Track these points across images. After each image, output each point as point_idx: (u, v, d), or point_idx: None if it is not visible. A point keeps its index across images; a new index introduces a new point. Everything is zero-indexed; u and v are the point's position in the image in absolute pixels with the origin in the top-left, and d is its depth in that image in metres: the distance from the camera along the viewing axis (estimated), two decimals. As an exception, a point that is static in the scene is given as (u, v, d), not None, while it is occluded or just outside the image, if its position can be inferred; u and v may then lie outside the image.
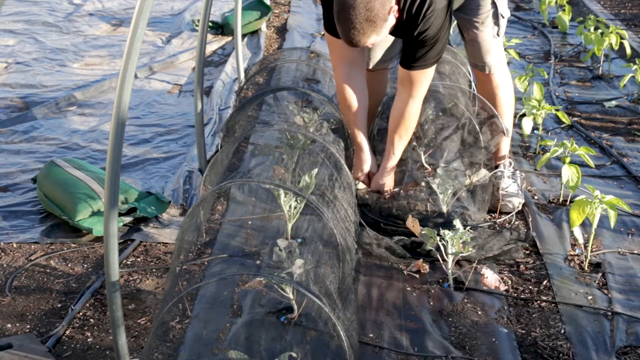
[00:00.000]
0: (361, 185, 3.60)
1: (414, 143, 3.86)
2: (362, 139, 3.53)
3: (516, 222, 3.48)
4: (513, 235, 3.23)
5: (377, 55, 3.68)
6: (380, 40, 3.03)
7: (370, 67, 3.71)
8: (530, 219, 3.48)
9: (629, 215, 3.47)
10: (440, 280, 3.02)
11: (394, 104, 3.45)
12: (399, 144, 3.46)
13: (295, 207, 3.13)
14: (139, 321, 2.78)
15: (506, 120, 3.67)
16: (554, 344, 2.67)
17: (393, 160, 3.49)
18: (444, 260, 2.98)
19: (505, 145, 3.68)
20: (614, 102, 4.91)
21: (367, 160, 3.54)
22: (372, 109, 3.83)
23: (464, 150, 3.70)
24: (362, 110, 3.49)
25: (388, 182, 3.53)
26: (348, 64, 3.39)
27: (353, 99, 3.44)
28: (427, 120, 3.84)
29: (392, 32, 3.13)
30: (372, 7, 2.86)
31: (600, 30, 5.47)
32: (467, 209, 3.45)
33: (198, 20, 6.27)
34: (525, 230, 3.36)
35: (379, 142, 3.77)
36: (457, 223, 2.99)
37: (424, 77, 3.31)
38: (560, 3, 6.82)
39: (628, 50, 5.39)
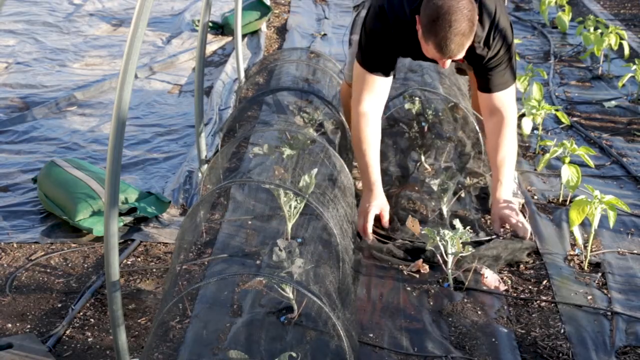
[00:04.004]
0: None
1: (414, 143, 3.87)
2: (376, 177, 3.29)
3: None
4: (524, 245, 3.17)
5: None
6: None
7: None
8: (530, 219, 3.48)
9: (629, 215, 3.47)
10: (440, 280, 3.02)
11: (488, 136, 3.34)
12: (505, 171, 3.29)
13: (295, 207, 3.13)
14: (139, 321, 2.79)
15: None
16: (553, 343, 2.67)
17: (503, 190, 3.29)
18: (444, 261, 2.98)
19: None
20: (613, 102, 4.92)
21: (377, 199, 3.29)
22: None
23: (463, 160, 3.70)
24: (377, 146, 3.33)
25: (507, 213, 3.27)
26: (374, 97, 3.25)
27: (372, 134, 3.27)
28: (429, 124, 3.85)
29: (465, 57, 3.06)
30: (471, 8, 2.81)
31: (599, 31, 5.48)
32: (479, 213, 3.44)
33: (198, 21, 6.27)
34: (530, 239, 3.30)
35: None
36: (457, 223, 2.99)
37: (511, 96, 3.26)
38: (560, 3, 6.83)
39: (627, 51, 5.40)
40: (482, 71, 3.21)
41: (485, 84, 3.25)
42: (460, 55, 2.92)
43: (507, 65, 3.18)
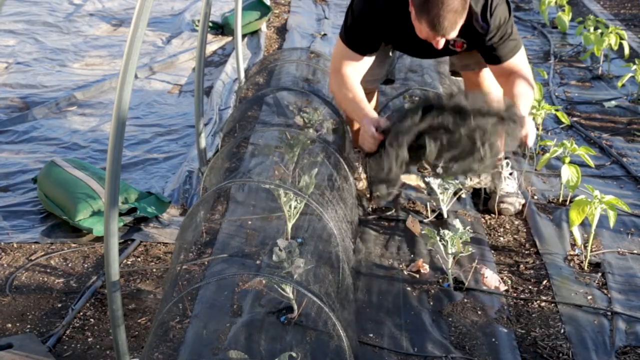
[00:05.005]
0: (361, 185, 3.60)
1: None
2: (367, 109, 3.16)
3: (516, 223, 3.49)
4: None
5: (380, 73, 3.64)
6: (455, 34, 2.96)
7: (373, 85, 3.65)
8: (530, 219, 3.48)
9: (629, 215, 3.47)
10: (440, 280, 3.02)
11: (504, 88, 3.24)
12: (522, 100, 3.12)
13: (295, 207, 3.13)
14: (139, 321, 2.79)
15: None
16: (553, 343, 2.67)
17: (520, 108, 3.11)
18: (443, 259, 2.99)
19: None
20: (613, 102, 4.92)
21: (370, 119, 3.11)
22: None
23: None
24: (363, 94, 3.27)
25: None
26: (354, 70, 3.27)
27: (355, 85, 3.26)
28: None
29: (463, 36, 3.06)
30: None
31: (599, 31, 5.48)
32: None
33: (198, 21, 6.27)
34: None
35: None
36: (457, 223, 2.99)
37: (523, 58, 3.24)
38: (560, 3, 6.83)
39: (627, 51, 5.40)
40: (487, 49, 3.21)
41: (493, 57, 3.23)
42: (454, 33, 2.91)
43: (511, 34, 3.16)
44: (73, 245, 3.31)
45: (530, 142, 3.06)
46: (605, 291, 2.96)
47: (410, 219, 3.37)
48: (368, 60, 3.30)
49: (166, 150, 4.35)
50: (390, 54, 3.61)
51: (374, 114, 3.19)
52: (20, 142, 4.41)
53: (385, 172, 2.98)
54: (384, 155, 2.97)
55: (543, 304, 2.90)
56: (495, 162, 3.49)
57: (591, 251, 3.19)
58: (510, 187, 3.56)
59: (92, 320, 2.80)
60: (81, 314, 2.83)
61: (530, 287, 3.01)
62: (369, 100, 3.53)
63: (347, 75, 3.28)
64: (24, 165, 4.09)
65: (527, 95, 3.20)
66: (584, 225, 3.29)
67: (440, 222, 3.42)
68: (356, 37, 3.22)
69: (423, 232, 3.05)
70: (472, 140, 2.85)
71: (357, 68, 3.29)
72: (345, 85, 3.27)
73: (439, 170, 2.98)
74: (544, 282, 3.03)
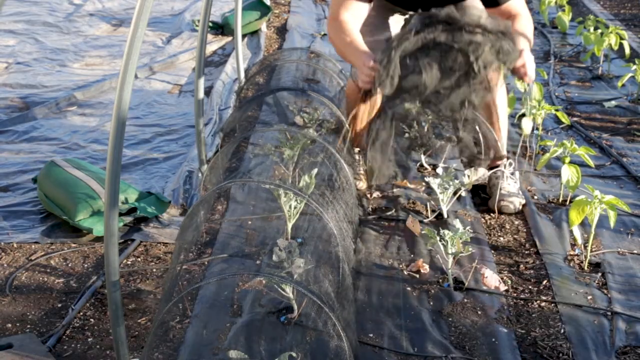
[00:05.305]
0: (361, 185, 3.60)
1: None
2: (364, 48, 3.15)
3: (516, 222, 3.49)
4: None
5: None
6: None
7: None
8: (530, 219, 3.48)
9: (629, 215, 3.47)
10: (440, 280, 3.02)
11: None
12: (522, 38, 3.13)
13: (295, 207, 3.13)
14: (139, 321, 2.79)
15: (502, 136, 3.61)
16: (553, 343, 2.67)
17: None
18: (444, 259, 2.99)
19: (503, 145, 3.67)
20: (613, 102, 4.92)
21: (368, 53, 3.12)
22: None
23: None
24: (362, 39, 3.26)
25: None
26: (352, 16, 3.30)
27: (354, 29, 3.27)
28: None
29: None
30: None
31: (599, 31, 5.48)
32: None
33: (198, 21, 6.27)
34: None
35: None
36: (456, 223, 3.00)
37: (522, 2, 3.23)
38: (560, 3, 6.83)
39: (627, 50, 5.40)
40: None
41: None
42: None
43: None
44: (73, 245, 3.31)
45: (531, 73, 3.02)
46: (605, 291, 2.96)
47: (410, 219, 3.37)
48: (365, 7, 3.34)
49: (166, 150, 4.35)
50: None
51: (367, 49, 3.18)
52: (20, 142, 4.41)
53: (378, 85, 2.85)
54: (375, 79, 2.89)
55: (543, 304, 2.90)
56: (492, 87, 3.28)
57: (591, 251, 3.19)
58: (511, 187, 3.56)
59: (92, 320, 2.80)
60: (81, 314, 2.83)
61: (530, 287, 3.01)
62: (372, 98, 3.51)
63: (344, 22, 3.31)
64: (24, 165, 4.09)
65: (526, 35, 3.19)
66: (584, 225, 3.29)
67: (440, 222, 3.42)
68: None
69: (423, 232, 3.05)
70: (465, 57, 2.78)
71: (355, 14, 3.33)
72: (344, 31, 3.30)
73: (434, 100, 2.92)
74: (544, 282, 3.03)
